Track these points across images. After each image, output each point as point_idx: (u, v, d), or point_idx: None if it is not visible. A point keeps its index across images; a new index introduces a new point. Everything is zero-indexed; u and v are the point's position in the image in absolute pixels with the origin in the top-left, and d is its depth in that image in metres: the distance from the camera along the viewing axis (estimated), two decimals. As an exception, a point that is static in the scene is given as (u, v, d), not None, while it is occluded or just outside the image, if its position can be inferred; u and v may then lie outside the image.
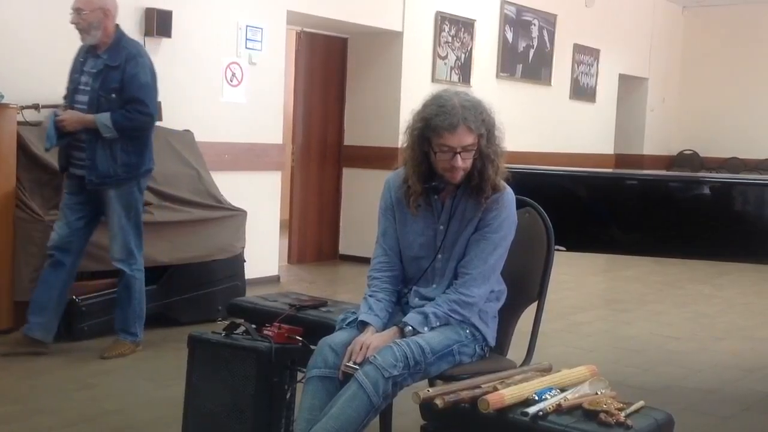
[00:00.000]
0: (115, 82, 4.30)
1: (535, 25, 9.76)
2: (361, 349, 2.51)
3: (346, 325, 2.70)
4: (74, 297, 4.70)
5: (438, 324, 2.63)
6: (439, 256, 2.74)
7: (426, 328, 2.60)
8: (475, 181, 2.68)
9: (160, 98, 5.62)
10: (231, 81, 6.41)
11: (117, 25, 4.39)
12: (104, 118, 4.25)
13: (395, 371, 2.45)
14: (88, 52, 4.38)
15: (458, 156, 2.61)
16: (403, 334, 2.58)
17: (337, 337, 2.62)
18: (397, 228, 2.81)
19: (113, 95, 4.29)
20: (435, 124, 2.60)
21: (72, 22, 4.32)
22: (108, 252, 4.51)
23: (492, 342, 2.78)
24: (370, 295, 2.73)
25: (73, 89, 4.39)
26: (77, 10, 4.29)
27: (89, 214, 4.46)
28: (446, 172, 2.67)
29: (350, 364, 2.49)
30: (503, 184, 2.73)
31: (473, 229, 2.70)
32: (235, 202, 5.72)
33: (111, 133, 4.26)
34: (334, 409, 2.43)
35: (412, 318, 2.62)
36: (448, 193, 2.74)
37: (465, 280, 2.68)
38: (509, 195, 2.74)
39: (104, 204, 4.40)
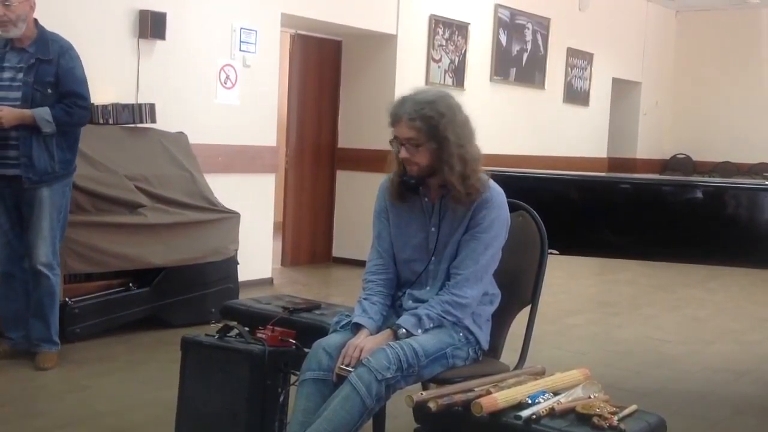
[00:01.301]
0: (50, 75, 4.15)
1: (528, 28, 9.78)
2: (354, 352, 2.52)
3: (340, 327, 2.70)
4: (66, 299, 4.68)
5: (431, 326, 2.63)
6: (433, 258, 2.75)
7: (419, 330, 2.61)
8: (447, 186, 2.70)
9: (154, 100, 5.68)
10: (225, 83, 6.41)
11: (35, 19, 4.24)
12: (44, 113, 4.09)
13: (388, 374, 2.45)
14: (5, 47, 4.19)
15: (403, 147, 2.68)
16: (396, 337, 2.58)
17: (331, 340, 2.62)
18: (391, 231, 2.82)
19: (49, 90, 4.14)
20: (389, 114, 2.70)
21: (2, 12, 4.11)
22: (96, 254, 4.49)
23: (485, 345, 2.78)
24: (364, 298, 2.74)
25: None
26: (5, 3, 4.09)
27: (20, 217, 4.29)
28: (405, 164, 2.72)
29: (344, 366, 2.50)
30: (485, 185, 2.71)
31: (464, 230, 2.71)
32: (229, 205, 5.71)
33: (51, 128, 4.10)
34: (327, 411, 2.43)
35: (405, 320, 2.62)
36: (436, 194, 2.76)
37: (457, 280, 2.68)
38: (499, 195, 2.75)
39: (32, 205, 4.19)
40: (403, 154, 2.68)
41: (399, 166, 2.75)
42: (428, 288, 2.76)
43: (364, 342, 2.55)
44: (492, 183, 2.76)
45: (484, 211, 2.70)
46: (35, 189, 4.17)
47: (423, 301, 2.72)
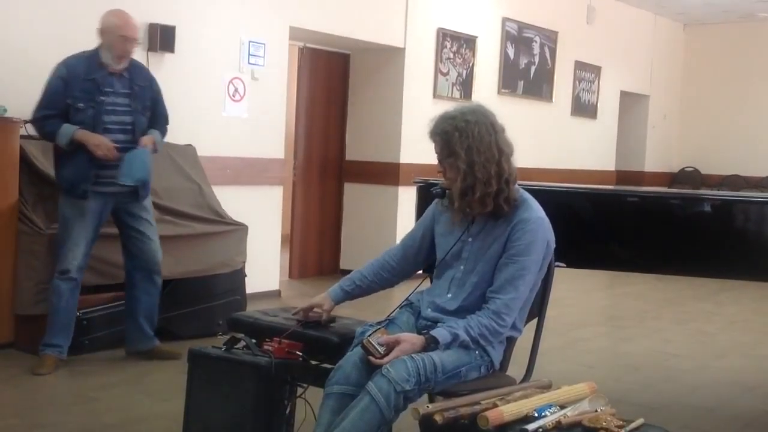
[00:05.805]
0: (147, 100, 4.50)
1: (536, 42, 9.80)
2: (390, 338, 2.56)
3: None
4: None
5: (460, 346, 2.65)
6: (462, 267, 2.77)
7: (443, 346, 2.61)
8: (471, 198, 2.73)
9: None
10: (233, 96, 6.44)
11: None
12: (159, 137, 4.56)
13: (407, 386, 2.47)
14: (97, 72, 4.31)
15: (439, 162, 2.77)
16: (426, 348, 2.59)
17: (360, 354, 2.61)
18: (436, 238, 2.92)
19: (147, 113, 4.50)
20: None
21: (132, 49, 4.44)
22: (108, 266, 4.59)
23: (498, 365, 2.79)
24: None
25: (101, 111, 4.30)
26: (136, 40, 4.47)
27: None
28: (444, 178, 2.80)
29: (374, 343, 2.53)
30: (518, 203, 2.73)
31: (500, 249, 2.72)
32: (237, 217, 5.73)
33: (161, 149, 4.66)
34: (345, 422, 2.45)
35: (441, 335, 2.62)
36: (477, 208, 2.77)
37: (498, 306, 2.68)
38: (538, 218, 2.74)
39: (133, 214, 4.54)
40: (438, 168, 2.78)
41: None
42: (449, 295, 2.79)
43: (404, 336, 2.59)
44: (533, 203, 2.77)
45: (520, 233, 2.70)
46: (142, 199, 4.54)
47: (443, 310, 2.76)
